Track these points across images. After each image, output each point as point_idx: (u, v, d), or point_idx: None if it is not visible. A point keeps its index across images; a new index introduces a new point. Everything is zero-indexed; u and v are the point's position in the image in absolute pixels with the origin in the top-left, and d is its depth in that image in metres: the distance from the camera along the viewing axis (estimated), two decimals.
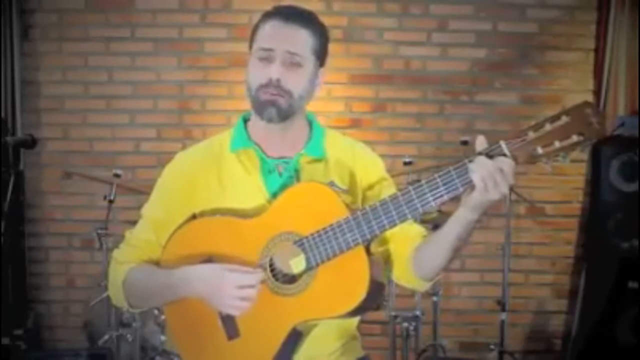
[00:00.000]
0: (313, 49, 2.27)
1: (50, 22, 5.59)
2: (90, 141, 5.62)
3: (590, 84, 5.64)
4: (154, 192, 2.41)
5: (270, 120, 2.25)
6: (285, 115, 2.25)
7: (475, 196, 2.01)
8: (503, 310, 4.98)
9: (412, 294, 4.75)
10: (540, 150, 1.92)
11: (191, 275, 2.22)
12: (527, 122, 5.28)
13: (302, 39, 2.25)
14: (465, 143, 4.97)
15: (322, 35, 2.31)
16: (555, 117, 1.91)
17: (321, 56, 2.32)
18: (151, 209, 2.39)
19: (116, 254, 2.41)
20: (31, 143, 4.48)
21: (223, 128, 2.48)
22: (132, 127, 5.62)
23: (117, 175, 4.85)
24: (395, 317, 4.77)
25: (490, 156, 1.97)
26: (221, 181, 2.32)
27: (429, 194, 2.02)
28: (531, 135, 1.93)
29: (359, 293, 2.09)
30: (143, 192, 4.14)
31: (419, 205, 2.04)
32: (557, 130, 1.90)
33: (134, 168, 5.42)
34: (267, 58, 2.23)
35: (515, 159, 1.95)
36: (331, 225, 2.11)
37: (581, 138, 1.89)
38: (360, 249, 2.11)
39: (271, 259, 2.20)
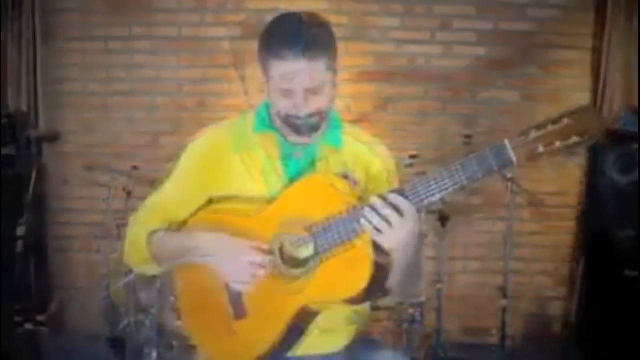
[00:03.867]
0: (327, 65, 2.23)
1: (72, 20, 5.62)
2: (111, 135, 5.67)
3: (590, 82, 5.61)
4: (177, 167, 2.44)
5: (310, 135, 2.30)
6: (320, 127, 2.31)
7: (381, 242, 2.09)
8: (504, 296, 4.98)
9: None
10: (541, 149, 1.96)
11: (211, 241, 2.25)
12: (527, 119, 5.28)
13: (315, 71, 2.19)
14: (468, 137, 4.96)
15: (334, 43, 2.28)
16: (557, 119, 1.95)
17: (334, 60, 2.28)
18: (172, 184, 2.42)
19: (137, 217, 2.45)
20: (54, 137, 4.50)
21: None
22: (150, 121, 5.65)
23: (135, 168, 4.90)
24: (402, 303, 4.78)
25: (383, 197, 2.06)
26: (243, 160, 2.35)
27: (434, 186, 2.05)
28: (533, 134, 1.96)
29: (362, 278, 2.10)
30: (160, 183, 4.16)
31: (424, 196, 2.06)
32: (558, 130, 1.95)
33: (151, 161, 5.44)
34: (288, 94, 2.21)
35: (517, 156, 1.98)
36: (340, 213, 2.12)
37: (580, 139, 1.94)
38: (366, 236, 2.11)
39: (281, 244, 2.22)
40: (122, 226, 4.76)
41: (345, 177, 2.28)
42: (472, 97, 5.68)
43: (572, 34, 5.65)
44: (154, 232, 2.35)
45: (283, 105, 2.24)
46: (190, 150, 2.43)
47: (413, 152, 4.86)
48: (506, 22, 5.63)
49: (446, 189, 2.04)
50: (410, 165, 4.75)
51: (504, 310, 4.99)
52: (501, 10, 5.63)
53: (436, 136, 5.63)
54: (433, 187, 2.04)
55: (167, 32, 5.62)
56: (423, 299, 4.77)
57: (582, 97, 5.55)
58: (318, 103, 2.23)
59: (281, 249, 2.22)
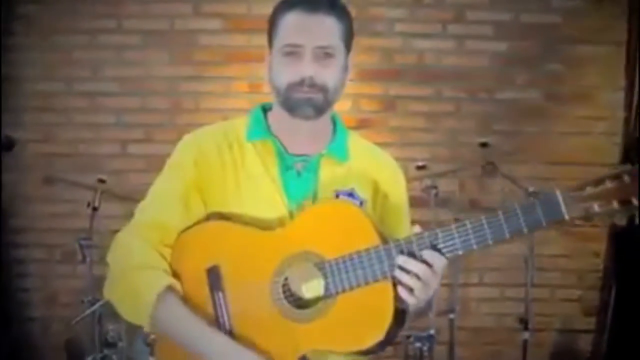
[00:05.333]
0: (341, 36, 2.26)
1: (30, 13, 5.58)
2: (74, 143, 5.61)
3: (622, 81, 5.59)
4: (167, 171, 2.36)
5: (307, 118, 2.27)
6: (322, 111, 2.28)
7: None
8: (526, 328, 4.96)
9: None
10: (597, 208, 1.95)
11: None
12: (552, 122, 5.29)
13: (330, 29, 2.24)
14: (484, 145, 4.94)
15: (347, 18, 2.31)
16: (617, 175, 1.94)
17: (348, 40, 2.31)
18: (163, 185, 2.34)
19: (136, 253, 2.26)
20: (8, 145, 4.47)
21: None
22: (118, 127, 5.61)
23: (101, 181, 4.85)
24: (408, 336, 4.76)
25: (411, 252, 2.06)
26: (237, 173, 2.31)
27: (472, 237, 2.04)
28: (589, 190, 1.96)
29: (379, 331, 2.08)
30: (130, 198, 4.12)
31: (460, 247, 2.06)
32: (617, 189, 1.94)
33: (119, 172, 5.40)
34: (294, 54, 2.22)
35: (569, 212, 1.97)
36: (359, 252, 2.10)
37: None
38: (387, 282, 2.09)
39: (286, 279, 2.18)
40: (86, 247, 4.72)
41: (350, 194, 2.30)
42: (489, 98, 5.66)
43: (602, 26, 5.63)
44: (167, 289, 2.20)
45: (286, 74, 2.23)
46: (181, 151, 2.35)
47: (422, 160, 4.85)
48: (527, 13, 5.62)
49: (485, 240, 2.04)
50: (422, 167, 4.74)
51: (526, 344, 4.96)
52: (522, 0, 5.61)
53: (448, 142, 5.62)
54: (471, 238, 2.04)
55: (139, 26, 5.60)
56: (432, 331, 4.75)
57: (613, 98, 5.56)
58: (325, 75, 2.23)
59: (285, 285, 2.18)
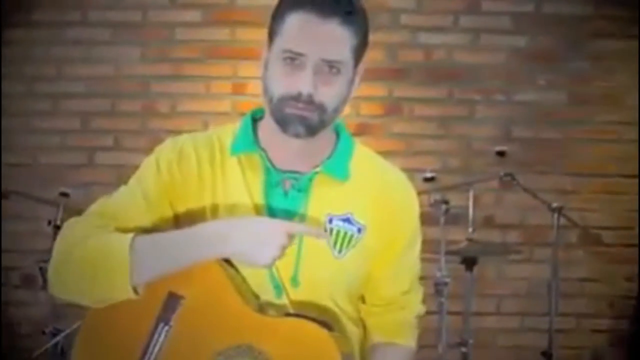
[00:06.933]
0: (353, 48, 2.19)
1: None
2: (33, 151, 5.59)
3: None
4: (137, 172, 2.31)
5: (297, 137, 2.19)
6: (315, 131, 2.20)
7: None
8: None
9: (435, 343, 4.70)
10: None
11: (231, 229, 2.14)
12: (577, 127, 5.27)
13: (341, 42, 2.16)
14: (501, 154, 4.93)
15: (364, 27, 2.25)
16: None
17: (360, 53, 2.25)
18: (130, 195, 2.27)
19: (92, 232, 2.17)
20: None
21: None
22: (84, 133, 5.59)
23: (64, 195, 4.83)
24: None
25: None
26: (215, 190, 2.27)
27: None
28: None
29: None
30: None
31: None
32: None
33: (86, 185, 5.38)
34: (294, 63, 2.13)
35: None
36: None
37: None
38: None
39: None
40: (47, 271, 4.69)
41: (346, 220, 2.25)
42: (506, 100, 5.67)
43: (633, 19, 5.61)
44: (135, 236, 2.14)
45: (281, 83, 2.16)
46: (157, 152, 2.30)
47: (431, 171, 4.85)
48: (550, 3, 5.63)
49: None
50: (431, 179, 4.73)
51: None
52: None
53: (461, 150, 5.62)
54: None
55: (107, 18, 5.62)
56: None
57: None
58: (325, 93, 2.15)
59: None
